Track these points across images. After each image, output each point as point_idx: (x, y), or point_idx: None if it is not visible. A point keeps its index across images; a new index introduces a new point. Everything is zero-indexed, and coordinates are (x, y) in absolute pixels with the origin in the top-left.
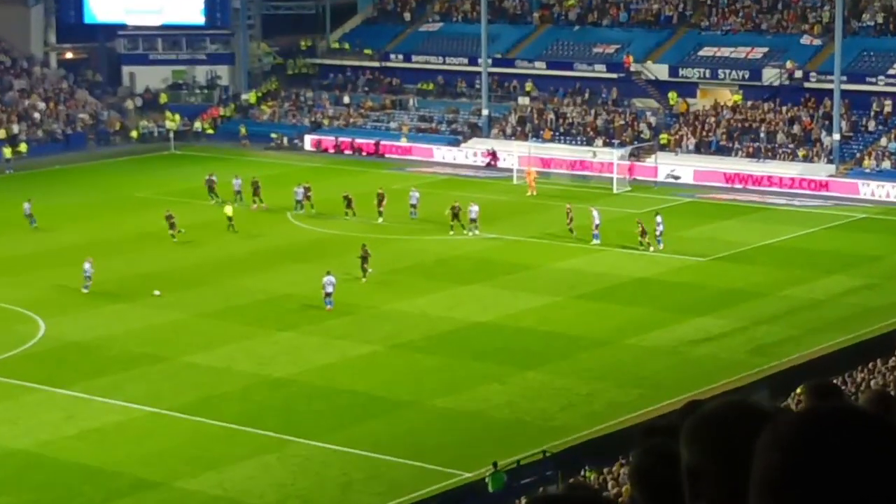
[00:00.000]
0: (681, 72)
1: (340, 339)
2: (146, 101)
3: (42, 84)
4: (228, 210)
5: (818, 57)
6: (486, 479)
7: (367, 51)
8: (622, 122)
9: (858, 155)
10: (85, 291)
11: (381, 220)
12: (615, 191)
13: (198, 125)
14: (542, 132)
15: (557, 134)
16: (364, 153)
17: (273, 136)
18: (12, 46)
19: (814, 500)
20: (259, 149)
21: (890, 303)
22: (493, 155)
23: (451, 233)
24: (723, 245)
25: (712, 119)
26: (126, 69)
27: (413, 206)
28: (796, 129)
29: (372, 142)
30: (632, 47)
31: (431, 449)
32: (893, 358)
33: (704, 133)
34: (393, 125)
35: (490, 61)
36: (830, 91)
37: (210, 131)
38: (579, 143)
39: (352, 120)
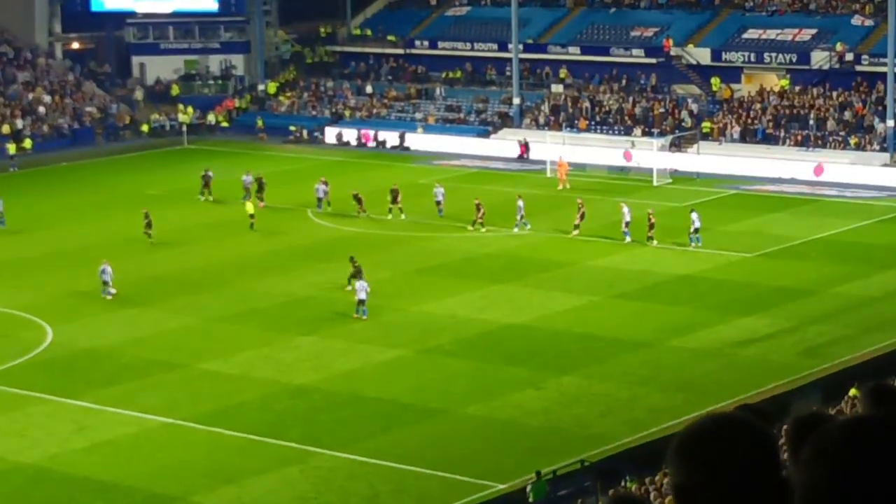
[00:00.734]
0: (724, 56)
1: (365, 344)
2: (157, 92)
3: (47, 76)
4: (249, 207)
5: (870, 38)
6: (528, 489)
7: (390, 37)
8: (662, 110)
9: None
10: (108, 297)
11: (391, 216)
12: (655, 183)
13: (212, 118)
14: (576, 122)
15: (593, 123)
16: (388, 146)
17: (292, 128)
18: (15, 37)
19: None
20: (277, 142)
21: None
22: (525, 146)
23: (471, 229)
24: (770, 239)
25: (758, 106)
26: (136, 59)
27: (438, 203)
28: (847, 115)
29: (396, 133)
30: (672, 30)
31: (462, 459)
32: None
33: (749, 121)
34: (419, 116)
35: (521, 47)
36: (884, 74)
37: (225, 124)
38: (616, 132)
39: (375, 111)
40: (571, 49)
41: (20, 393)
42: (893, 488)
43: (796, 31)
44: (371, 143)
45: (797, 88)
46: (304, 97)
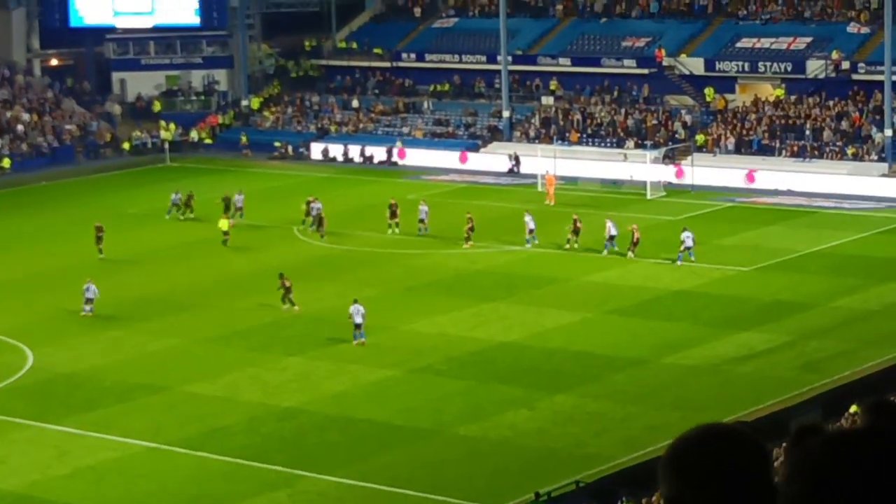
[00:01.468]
0: (717, 65)
1: (354, 364)
2: (138, 109)
3: (25, 94)
4: (223, 224)
5: (867, 46)
6: None
7: (376, 50)
8: (655, 122)
9: None
10: (84, 314)
11: (391, 231)
12: (649, 196)
13: (195, 135)
14: (568, 134)
15: (585, 136)
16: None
17: (277, 144)
18: None
19: None
20: (262, 159)
21: None
22: (516, 160)
23: (466, 246)
24: (767, 253)
25: (753, 116)
26: (116, 76)
27: (422, 220)
28: (844, 125)
29: (384, 148)
30: (664, 40)
31: (455, 481)
32: None
33: (744, 132)
34: (406, 130)
35: (510, 59)
36: (881, 83)
37: (208, 141)
38: (609, 145)
39: (361, 125)
40: (562, 60)
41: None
42: (873, 495)
43: (791, 39)
44: (357, 159)
45: (793, 98)
46: (289, 112)
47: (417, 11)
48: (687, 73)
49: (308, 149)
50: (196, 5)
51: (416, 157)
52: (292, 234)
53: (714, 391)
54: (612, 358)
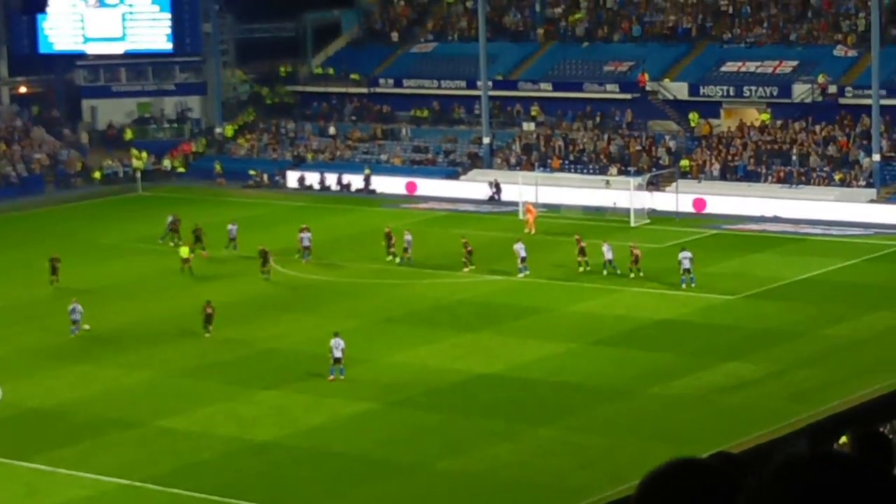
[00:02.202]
0: (702, 90)
1: (331, 398)
2: (109, 137)
3: None
4: (184, 252)
5: (854, 69)
6: None
7: (353, 76)
8: (638, 148)
9: None
10: (75, 334)
11: (390, 259)
12: (632, 224)
13: (167, 163)
14: (549, 161)
15: (567, 162)
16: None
17: (252, 172)
18: None
19: None
20: (236, 188)
21: None
22: (497, 187)
23: (466, 270)
24: (754, 281)
25: (738, 141)
26: (86, 103)
27: (405, 250)
28: (832, 150)
29: (360, 176)
30: (647, 64)
31: None
32: None
33: (730, 157)
34: (384, 157)
35: (490, 84)
36: (868, 107)
37: (181, 170)
38: (591, 171)
39: (338, 153)
40: (543, 85)
41: None
42: None
43: (776, 63)
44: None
45: (779, 123)
46: (264, 140)
47: (395, 36)
48: (671, 97)
49: (284, 177)
50: (168, 31)
51: (394, 184)
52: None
53: (701, 422)
54: (596, 389)
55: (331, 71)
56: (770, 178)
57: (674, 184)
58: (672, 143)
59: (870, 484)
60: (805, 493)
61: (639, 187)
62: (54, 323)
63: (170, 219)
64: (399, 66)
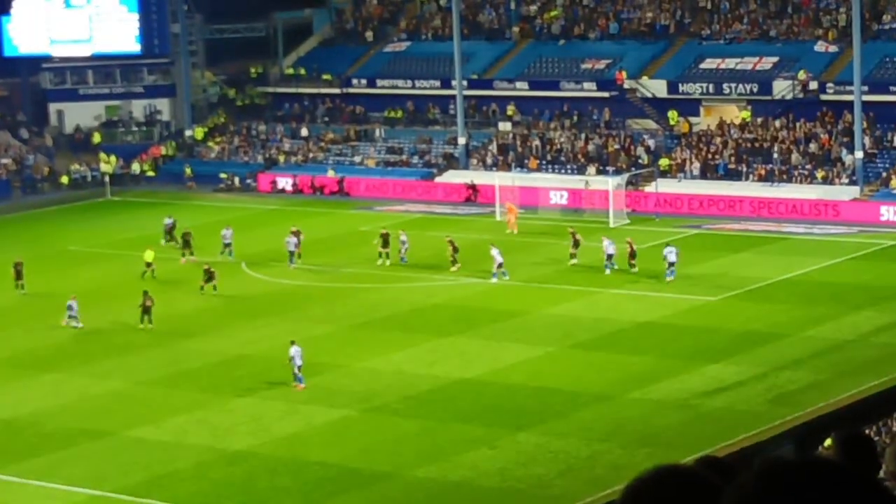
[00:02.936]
0: (681, 87)
1: (306, 405)
2: (77, 141)
3: None
4: (149, 255)
5: (835, 65)
6: None
7: (325, 76)
8: (617, 147)
9: (885, 174)
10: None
11: (380, 262)
12: (612, 224)
13: (136, 167)
14: (527, 161)
15: (544, 162)
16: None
17: (222, 176)
18: None
19: None
20: (207, 191)
21: None
22: (473, 188)
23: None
24: (735, 281)
25: (718, 140)
26: (53, 106)
27: (401, 250)
28: (813, 147)
29: (335, 178)
30: (625, 62)
31: None
32: None
33: (710, 156)
34: (358, 159)
35: (465, 83)
36: (850, 103)
37: (151, 173)
38: (569, 171)
39: (311, 155)
40: (519, 84)
41: None
42: None
43: (756, 59)
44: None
45: (759, 120)
46: (235, 142)
47: (368, 35)
48: (649, 95)
49: (255, 180)
50: (136, 32)
51: (369, 186)
52: (239, 268)
53: (682, 427)
54: (576, 393)
55: (302, 71)
56: (751, 176)
57: (653, 183)
58: (651, 142)
59: (854, 489)
60: (789, 500)
61: (618, 187)
62: (22, 331)
63: (166, 221)
64: (372, 65)
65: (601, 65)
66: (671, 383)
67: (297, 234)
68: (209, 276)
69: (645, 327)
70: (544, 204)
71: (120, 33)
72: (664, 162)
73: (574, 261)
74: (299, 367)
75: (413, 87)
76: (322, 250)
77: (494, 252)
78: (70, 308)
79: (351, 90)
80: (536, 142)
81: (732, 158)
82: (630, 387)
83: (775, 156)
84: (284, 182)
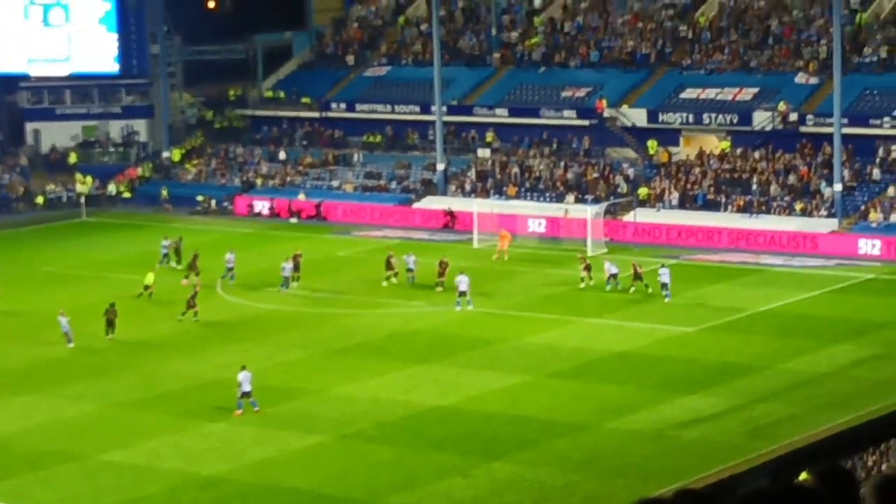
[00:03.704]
0: (661, 117)
1: (281, 430)
2: (53, 161)
3: None
4: (149, 278)
5: (815, 97)
6: None
7: (304, 99)
8: (596, 175)
9: (863, 207)
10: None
11: (386, 283)
12: (590, 253)
13: (113, 188)
14: (505, 188)
15: (523, 190)
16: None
17: (199, 198)
18: None
19: None
20: (184, 213)
21: None
22: (451, 214)
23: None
24: (713, 312)
25: (697, 170)
26: (30, 126)
27: (410, 270)
28: (792, 179)
29: (312, 202)
30: (605, 90)
31: None
32: None
33: (689, 186)
34: (336, 183)
35: (445, 109)
36: (830, 135)
37: (127, 195)
38: (548, 199)
39: (289, 178)
40: (499, 111)
41: None
42: None
43: (737, 90)
44: (284, 214)
45: (738, 151)
46: (213, 165)
47: (348, 59)
48: (629, 124)
49: (232, 203)
50: (115, 52)
51: (347, 211)
52: (215, 292)
53: (658, 458)
54: (552, 423)
55: (281, 94)
56: (730, 207)
57: (632, 212)
58: (630, 171)
59: None
60: None
61: (596, 216)
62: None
63: (165, 242)
64: (351, 89)
65: (581, 93)
66: (648, 414)
67: (296, 258)
68: (190, 305)
69: (622, 357)
70: (522, 231)
71: (98, 53)
72: (643, 191)
73: (584, 284)
74: (244, 393)
75: (392, 111)
76: (301, 275)
77: (459, 279)
78: (63, 325)
79: (330, 114)
80: (515, 169)
81: (711, 189)
82: (606, 417)
83: (754, 187)
84: (261, 206)
